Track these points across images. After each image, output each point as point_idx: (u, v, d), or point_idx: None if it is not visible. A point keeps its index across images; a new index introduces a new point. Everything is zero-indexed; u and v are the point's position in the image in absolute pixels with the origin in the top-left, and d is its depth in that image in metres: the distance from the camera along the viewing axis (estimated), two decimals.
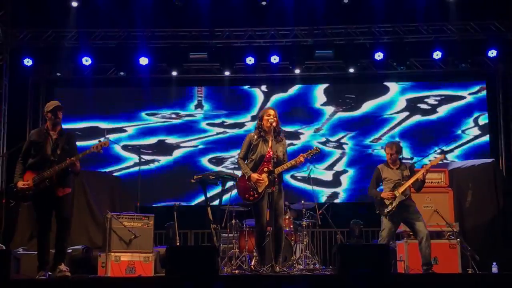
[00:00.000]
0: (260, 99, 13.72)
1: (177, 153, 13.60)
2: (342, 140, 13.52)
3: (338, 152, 13.49)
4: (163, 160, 13.55)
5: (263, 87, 13.76)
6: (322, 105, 13.66)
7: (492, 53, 12.58)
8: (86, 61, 12.58)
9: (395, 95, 13.62)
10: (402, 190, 8.10)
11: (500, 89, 13.36)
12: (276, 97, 13.71)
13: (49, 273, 7.15)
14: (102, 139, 7.61)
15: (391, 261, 7.78)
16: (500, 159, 13.03)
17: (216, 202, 8.63)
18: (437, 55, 12.59)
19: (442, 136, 13.29)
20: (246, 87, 13.83)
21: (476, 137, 13.38)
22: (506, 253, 9.92)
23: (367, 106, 13.60)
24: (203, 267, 6.33)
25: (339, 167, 13.46)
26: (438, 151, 12.75)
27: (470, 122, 13.42)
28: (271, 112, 7.72)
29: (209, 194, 8.92)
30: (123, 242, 8.75)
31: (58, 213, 7.31)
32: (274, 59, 12.68)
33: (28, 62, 12.54)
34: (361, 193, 12.97)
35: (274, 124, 7.60)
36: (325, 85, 13.73)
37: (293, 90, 13.75)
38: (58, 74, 13.23)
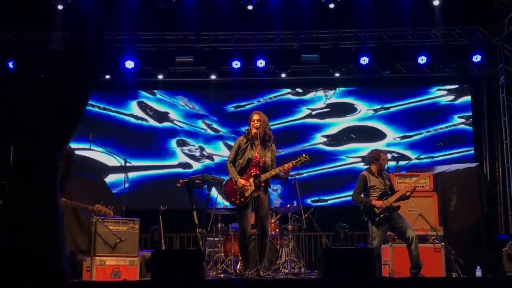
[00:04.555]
0: (297, 116, 13.86)
1: (164, 124, 13.96)
2: None
3: None
4: (151, 122, 13.94)
5: (315, 112, 13.83)
6: (324, 136, 13.79)
7: (477, 58, 12.67)
8: None
9: (383, 145, 13.56)
10: (393, 200, 8.15)
11: (484, 94, 13.48)
12: (307, 120, 13.84)
13: None
14: (107, 208, 7.68)
15: (376, 265, 7.81)
16: (484, 163, 13.14)
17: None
18: (422, 59, 12.66)
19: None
20: (304, 108, 13.83)
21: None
22: (490, 256, 9.99)
23: (348, 146, 13.74)
24: (189, 271, 6.33)
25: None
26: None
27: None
28: (255, 117, 7.69)
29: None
30: (108, 246, 8.73)
31: None
32: (260, 63, 12.71)
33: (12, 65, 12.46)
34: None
35: (260, 129, 7.58)
36: (349, 124, 13.80)
37: (328, 120, 13.81)
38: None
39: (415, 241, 7.98)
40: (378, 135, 13.75)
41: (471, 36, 12.77)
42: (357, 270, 6.40)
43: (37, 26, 12.54)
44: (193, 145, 13.83)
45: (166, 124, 13.91)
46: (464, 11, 12.52)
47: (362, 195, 8.35)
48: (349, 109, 13.86)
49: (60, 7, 11.98)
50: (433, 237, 9.17)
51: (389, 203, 8.10)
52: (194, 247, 11.17)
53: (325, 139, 13.75)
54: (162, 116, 13.94)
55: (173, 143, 13.82)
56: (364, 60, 12.66)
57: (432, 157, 13.28)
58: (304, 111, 13.86)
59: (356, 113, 13.84)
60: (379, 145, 13.47)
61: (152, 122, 13.93)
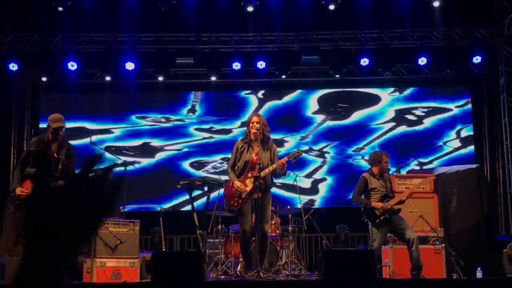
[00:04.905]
0: (254, 106, 13.69)
1: (159, 156, 13.51)
2: (324, 149, 13.56)
3: (319, 161, 13.52)
4: (145, 161, 13.45)
5: (259, 94, 13.74)
6: (313, 113, 13.67)
7: (477, 59, 12.67)
8: (72, 66, 12.53)
9: (385, 105, 13.65)
10: (394, 203, 8.13)
11: (485, 95, 13.47)
12: (269, 104, 13.70)
13: None
14: None
15: (376, 266, 7.81)
16: (484, 165, 13.13)
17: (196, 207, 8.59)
18: (422, 61, 12.66)
19: (424, 148, 13.30)
20: (243, 93, 13.78)
21: (458, 148, 13.46)
22: (491, 258, 9.99)
23: (357, 115, 13.65)
24: (189, 273, 6.33)
25: (318, 175, 13.40)
26: (416, 162, 12.78)
27: (452, 134, 13.47)
28: (254, 119, 7.77)
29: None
30: (109, 247, 8.73)
31: None
32: (261, 64, 12.71)
33: (13, 66, 12.47)
34: (337, 201, 13.16)
35: (259, 131, 7.63)
36: (320, 93, 13.74)
37: (289, 97, 13.74)
38: (44, 79, 13.19)
39: (415, 242, 7.98)
40: (370, 97, 13.73)
41: (471, 37, 12.76)
42: (358, 272, 6.41)
43: (38, 28, 12.55)
44: (214, 160, 13.41)
45: (161, 155, 13.43)
46: (464, 12, 12.53)
47: (362, 197, 8.34)
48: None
49: (60, 8, 11.99)
50: (433, 239, 9.16)
51: (390, 205, 8.08)
52: (195, 248, 11.16)
53: (322, 117, 13.65)
54: (147, 150, 13.42)
55: (188, 168, 13.34)
56: (365, 62, 12.66)
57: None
58: (251, 98, 13.75)
59: (294, 92, 13.83)
60: (381, 105, 13.60)
61: (145, 161, 13.36)
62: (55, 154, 7.33)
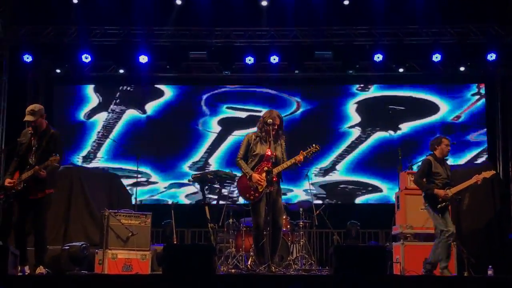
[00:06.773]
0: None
1: None
2: None
3: None
4: None
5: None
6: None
7: (492, 56, 12.56)
8: (86, 58, 12.56)
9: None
10: (456, 192, 8.14)
11: (499, 92, 13.37)
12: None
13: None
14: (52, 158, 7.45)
15: (387, 262, 7.79)
16: (497, 162, 13.04)
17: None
18: (436, 57, 12.57)
19: None
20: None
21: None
22: (502, 256, 9.95)
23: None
24: (200, 266, 6.35)
25: None
26: None
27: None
28: (268, 114, 7.76)
29: None
30: (120, 239, 8.79)
31: (34, 216, 7.31)
32: (274, 59, 12.68)
33: (28, 58, 12.52)
34: None
35: (273, 126, 7.63)
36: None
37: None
38: (58, 70, 13.24)
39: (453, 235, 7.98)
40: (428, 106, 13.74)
41: (486, 34, 12.65)
42: (368, 268, 6.40)
43: (52, 20, 12.59)
44: None
45: None
46: (480, 9, 12.43)
47: (425, 180, 8.28)
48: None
49: (75, 1, 12.04)
50: None
51: (451, 193, 8.07)
52: (206, 242, 11.20)
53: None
54: None
55: None
56: (378, 57, 12.59)
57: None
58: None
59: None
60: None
61: None
62: (34, 143, 7.32)
